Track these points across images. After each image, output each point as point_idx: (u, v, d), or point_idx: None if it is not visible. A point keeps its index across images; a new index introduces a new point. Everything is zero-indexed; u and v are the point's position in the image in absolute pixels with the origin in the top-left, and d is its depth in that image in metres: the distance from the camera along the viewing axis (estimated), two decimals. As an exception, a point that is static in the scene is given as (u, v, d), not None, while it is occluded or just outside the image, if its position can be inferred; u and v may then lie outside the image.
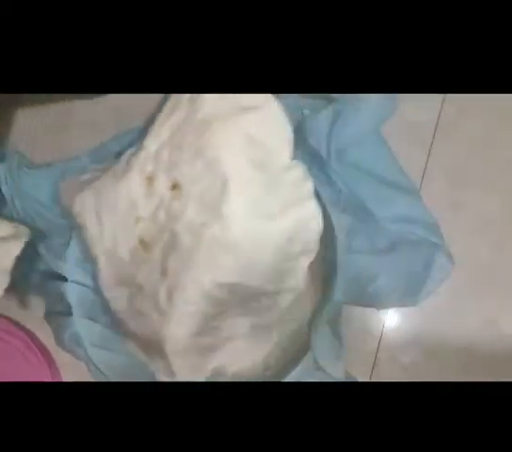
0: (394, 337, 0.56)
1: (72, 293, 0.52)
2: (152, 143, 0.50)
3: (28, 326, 0.62)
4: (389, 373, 0.56)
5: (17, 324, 0.62)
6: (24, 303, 0.61)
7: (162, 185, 0.49)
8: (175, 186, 0.49)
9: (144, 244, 0.51)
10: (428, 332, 0.56)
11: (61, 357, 0.60)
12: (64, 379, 0.61)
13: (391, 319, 0.56)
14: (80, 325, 0.51)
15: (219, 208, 0.47)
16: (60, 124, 0.64)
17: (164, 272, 0.49)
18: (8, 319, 0.62)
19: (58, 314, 0.53)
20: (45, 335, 0.61)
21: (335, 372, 0.47)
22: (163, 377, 0.52)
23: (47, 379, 0.59)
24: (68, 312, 0.52)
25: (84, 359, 0.53)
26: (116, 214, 0.51)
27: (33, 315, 0.61)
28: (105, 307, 0.54)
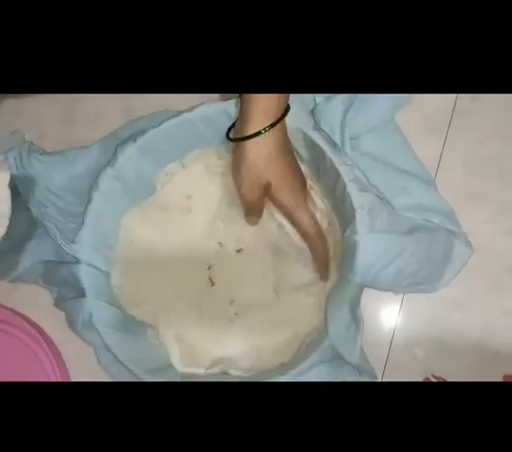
0: (409, 328, 0.55)
1: (86, 275, 0.51)
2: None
3: (34, 318, 0.61)
4: (403, 365, 0.55)
5: (23, 316, 0.60)
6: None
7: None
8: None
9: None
10: (444, 324, 0.55)
11: (68, 350, 0.60)
12: (70, 373, 0.60)
13: (405, 310, 0.55)
14: (94, 306, 0.50)
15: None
16: (67, 114, 0.64)
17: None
18: (14, 312, 0.61)
19: (71, 298, 0.52)
20: (51, 328, 0.60)
21: (351, 356, 0.46)
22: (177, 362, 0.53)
23: (54, 372, 0.58)
24: (81, 295, 0.51)
25: (97, 344, 0.52)
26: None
27: (39, 308, 0.61)
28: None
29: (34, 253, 0.58)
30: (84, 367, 0.58)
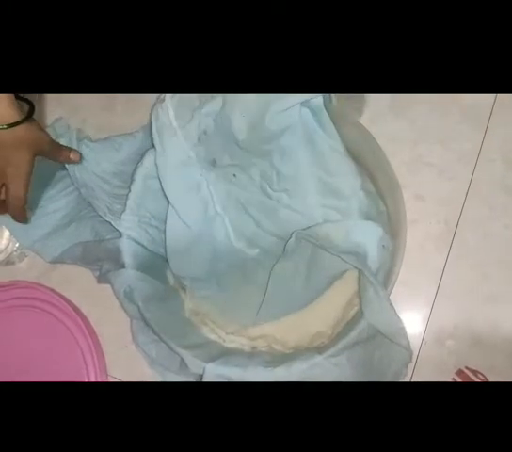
0: (442, 320, 0.55)
1: (127, 247, 0.54)
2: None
3: (71, 298, 0.63)
4: (436, 357, 0.55)
5: (61, 296, 0.62)
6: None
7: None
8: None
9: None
10: (477, 316, 0.55)
11: (103, 330, 0.61)
12: (105, 352, 0.61)
13: (438, 302, 0.55)
14: (133, 277, 0.52)
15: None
16: (106, 102, 0.67)
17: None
18: (54, 292, 0.62)
19: (112, 271, 0.54)
20: (87, 308, 0.62)
21: (390, 331, 0.47)
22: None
23: (90, 352, 0.59)
24: (122, 267, 0.53)
25: (136, 317, 0.53)
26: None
27: (76, 288, 0.62)
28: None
29: (73, 235, 0.61)
30: (118, 347, 0.60)
